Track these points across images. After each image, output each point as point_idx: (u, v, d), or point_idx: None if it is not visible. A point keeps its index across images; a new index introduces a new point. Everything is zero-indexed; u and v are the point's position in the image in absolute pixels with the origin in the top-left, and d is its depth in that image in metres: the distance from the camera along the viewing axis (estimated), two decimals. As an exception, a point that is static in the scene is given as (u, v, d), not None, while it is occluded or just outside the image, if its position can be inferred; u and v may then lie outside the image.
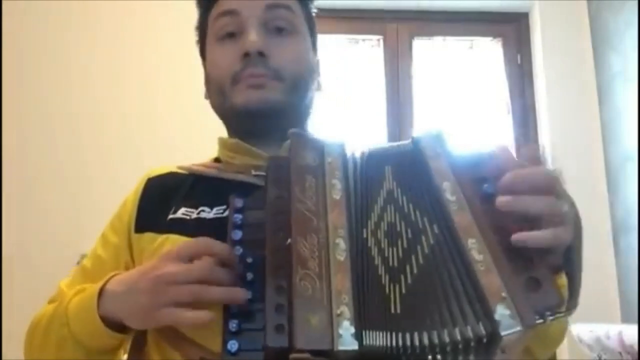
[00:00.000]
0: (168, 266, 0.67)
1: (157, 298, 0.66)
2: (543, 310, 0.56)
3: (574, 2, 2.71)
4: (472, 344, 0.54)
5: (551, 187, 0.61)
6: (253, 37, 0.84)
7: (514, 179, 0.60)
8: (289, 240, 0.61)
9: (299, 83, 0.87)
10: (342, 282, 0.58)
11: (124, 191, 0.94)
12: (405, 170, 0.69)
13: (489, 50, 2.85)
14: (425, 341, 0.55)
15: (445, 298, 0.58)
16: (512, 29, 2.83)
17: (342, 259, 0.60)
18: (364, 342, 0.56)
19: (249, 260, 0.66)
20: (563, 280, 0.62)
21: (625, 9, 2.39)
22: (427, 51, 2.83)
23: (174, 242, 0.79)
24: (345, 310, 0.56)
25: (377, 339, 0.56)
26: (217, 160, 0.94)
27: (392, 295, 0.59)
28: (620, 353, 1.85)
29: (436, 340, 0.55)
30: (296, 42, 0.88)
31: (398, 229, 0.64)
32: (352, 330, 0.55)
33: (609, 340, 1.88)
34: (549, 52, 2.68)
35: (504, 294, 0.55)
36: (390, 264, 0.61)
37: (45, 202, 2.37)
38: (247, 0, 0.88)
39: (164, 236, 0.81)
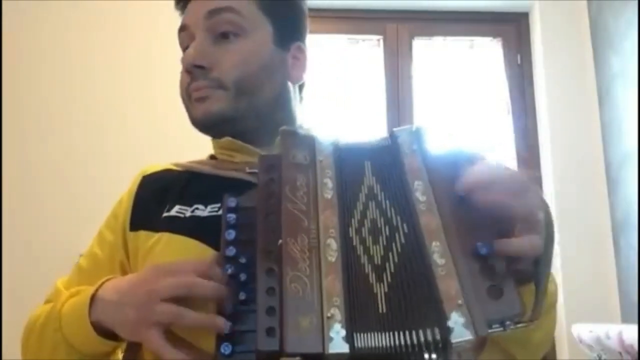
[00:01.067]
0: (160, 281, 0.66)
1: (145, 314, 0.66)
2: (503, 319, 0.55)
3: (574, 2, 2.70)
4: (431, 347, 0.54)
5: (526, 191, 0.61)
6: (188, 52, 0.85)
7: (488, 178, 0.60)
8: (280, 241, 0.60)
9: (247, 85, 0.85)
10: (332, 284, 0.57)
11: (123, 191, 0.93)
12: (383, 166, 0.68)
13: (489, 50, 2.84)
14: (402, 341, 0.55)
15: (411, 299, 0.57)
16: (512, 29, 2.82)
17: (332, 259, 0.59)
18: (355, 345, 0.55)
19: (242, 260, 0.65)
20: (532, 289, 0.62)
21: (626, 10, 2.38)
22: (427, 51, 2.82)
23: (168, 240, 0.79)
24: (336, 312, 0.55)
25: (368, 340, 0.56)
26: (213, 157, 0.93)
27: (378, 294, 0.59)
28: (620, 353, 1.84)
29: (408, 341, 0.55)
30: (242, 44, 0.86)
31: (379, 225, 0.63)
32: (343, 333, 0.54)
33: (609, 340, 1.87)
34: (549, 52, 2.67)
35: (460, 301, 0.54)
36: (375, 261, 0.61)
37: (45, 202, 2.37)
38: (191, 10, 0.88)
39: (159, 235, 0.81)
